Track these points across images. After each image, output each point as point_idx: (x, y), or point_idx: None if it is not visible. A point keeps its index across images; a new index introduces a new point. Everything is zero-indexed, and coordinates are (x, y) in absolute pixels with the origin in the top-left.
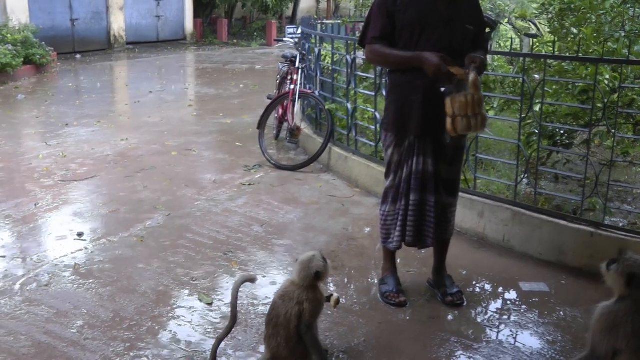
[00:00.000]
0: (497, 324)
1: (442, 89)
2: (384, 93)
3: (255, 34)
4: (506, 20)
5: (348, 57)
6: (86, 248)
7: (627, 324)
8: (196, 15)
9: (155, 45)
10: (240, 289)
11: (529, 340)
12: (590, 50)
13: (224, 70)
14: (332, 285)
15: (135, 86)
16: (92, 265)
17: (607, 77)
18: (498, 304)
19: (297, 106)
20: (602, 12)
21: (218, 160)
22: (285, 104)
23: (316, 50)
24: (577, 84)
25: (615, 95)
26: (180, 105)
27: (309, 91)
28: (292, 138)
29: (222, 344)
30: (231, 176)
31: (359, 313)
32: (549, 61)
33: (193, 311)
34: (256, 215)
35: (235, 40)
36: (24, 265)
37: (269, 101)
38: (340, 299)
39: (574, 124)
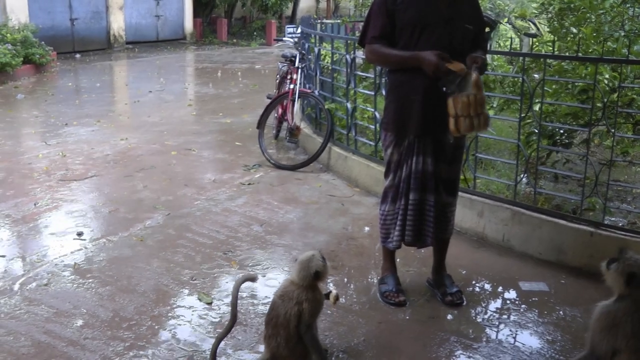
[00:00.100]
0: (497, 323)
1: (445, 89)
2: (384, 92)
3: (255, 33)
4: (506, 19)
5: (347, 56)
6: (86, 247)
7: (626, 323)
8: (196, 14)
9: (155, 44)
10: (240, 289)
11: (529, 339)
12: (590, 50)
13: (224, 69)
14: (331, 284)
15: (134, 86)
16: (92, 265)
17: (607, 76)
18: (498, 303)
19: (297, 106)
20: (601, 11)
21: (218, 160)
22: (284, 104)
23: (316, 49)
24: (576, 84)
25: (615, 95)
26: (179, 104)
27: (309, 91)
28: (291, 137)
29: (222, 344)
30: (231, 176)
31: (359, 312)
32: (548, 61)
33: (193, 311)
34: (256, 214)
35: (234, 40)
36: (24, 264)
37: (269, 101)
38: (340, 299)
39: (574, 123)
